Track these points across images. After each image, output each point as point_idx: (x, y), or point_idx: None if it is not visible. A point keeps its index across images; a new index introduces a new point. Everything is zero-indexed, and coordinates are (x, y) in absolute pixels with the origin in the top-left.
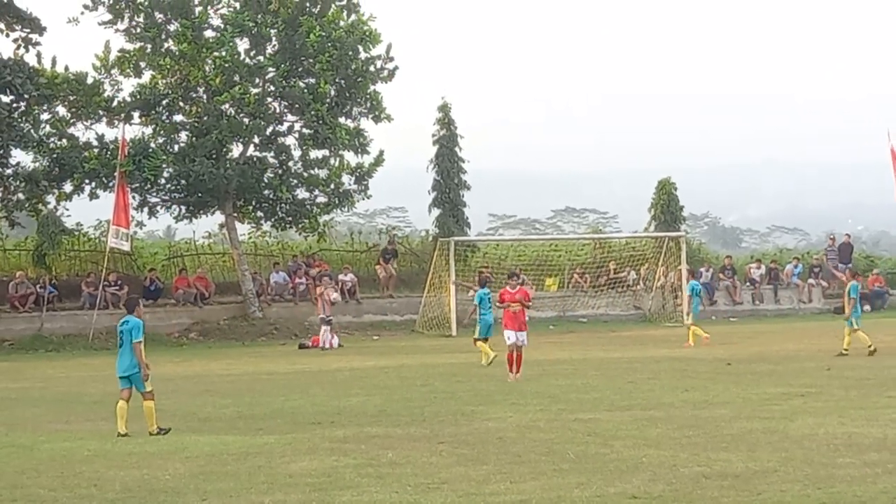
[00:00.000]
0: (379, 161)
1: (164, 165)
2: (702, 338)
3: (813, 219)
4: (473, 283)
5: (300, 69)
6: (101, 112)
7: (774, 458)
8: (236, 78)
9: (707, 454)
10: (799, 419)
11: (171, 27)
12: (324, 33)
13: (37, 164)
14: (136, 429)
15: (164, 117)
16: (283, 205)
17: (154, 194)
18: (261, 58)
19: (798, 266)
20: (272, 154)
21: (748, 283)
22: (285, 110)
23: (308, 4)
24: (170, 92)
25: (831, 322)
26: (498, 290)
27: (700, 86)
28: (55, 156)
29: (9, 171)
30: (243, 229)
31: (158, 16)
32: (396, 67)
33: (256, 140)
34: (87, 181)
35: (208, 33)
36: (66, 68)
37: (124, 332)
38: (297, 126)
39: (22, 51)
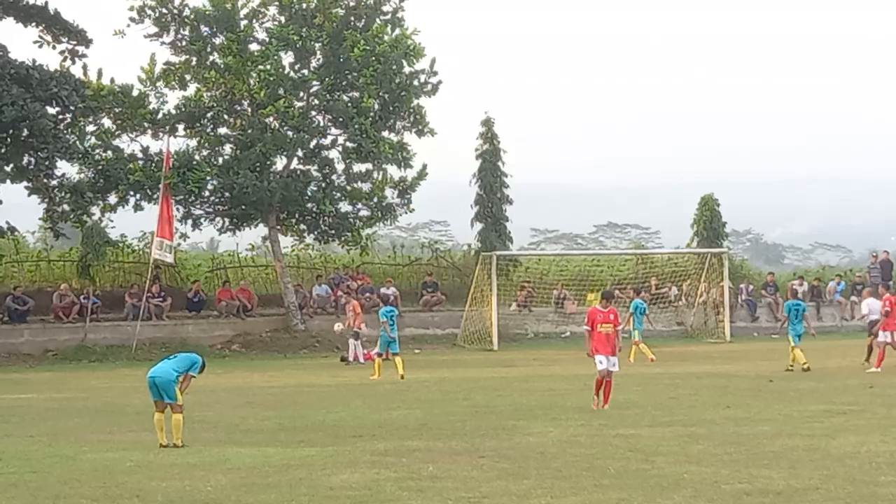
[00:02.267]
0: (422, 175)
1: (208, 178)
2: (648, 356)
3: (856, 235)
4: (518, 296)
5: (344, 83)
6: (146, 124)
7: (816, 475)
8: (281, 91)
9: (749, 471)
10: (841, 437)
11: (217, 40)
12: (368, 47)
13: (82, 175)
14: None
15: (208, 130)
16: (325, 218)
17: (198, 206)
18: (305, 71)
19: (841, 283)
20: (316, 167)
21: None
22: (329, 124)
23: (352, 19)
24: (214, 105)
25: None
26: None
27: (739, 104)
28: (100, 167)
29: (54, 183)
30: (286, 242)
31: (204, 29)
32: (440, 82)
33: (300, 153)
34: (131, 193)
35: (253, 47)
36: (112, 80)
37: (185, 358)
38: (340, 139)
39: (68, 63)
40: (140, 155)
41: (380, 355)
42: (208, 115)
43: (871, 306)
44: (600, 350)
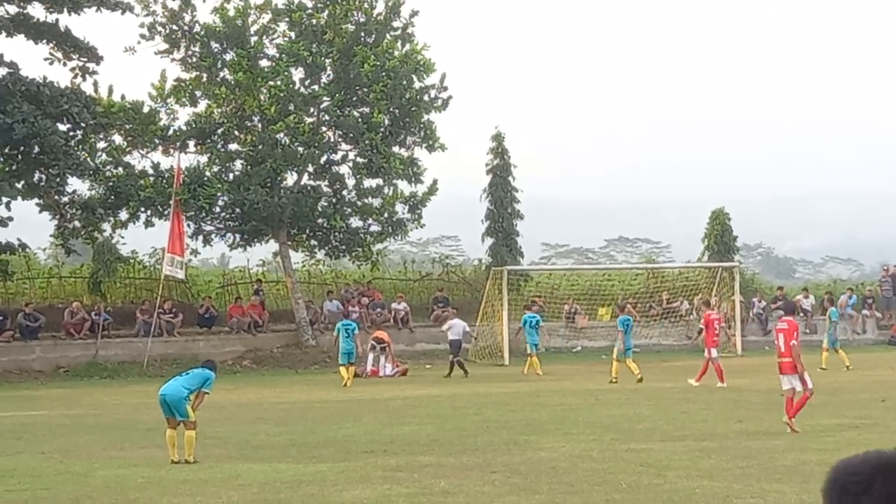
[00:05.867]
0: (432, 190)
1: (218, 194)
2: (536, 370)
3: (868, 249)
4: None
5: (354, 98)
6: (156, 140)
7: None
8: (291, 107)
9: (761, 485)
10: (853, 451)
11: (227, 56)
12: (378, 63)
13: (93, 192)
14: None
15: (219, 146)
16: (336, 233)
17: (209, 222)
18: (315, 87)
19: (852, 297)
20: (326, 183)
21: (800, 314)
22: (339, 139)
23: (363, 34)
24: (225, 121)
25: (885, 353)
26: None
27: (754, 110)
28: (111, 184)
29: (65, 199)
30: (297, 258)
31: (214, 45)
32: (450, 97)
33: (311, 169)
34: (142, 209)
35: (263, 63)
36: (123, 97)
37: (197, 375)
38: (351, 155)
39: (79, 79)
40: (151, 171)
41: (343, 365)
42: (219, 131)
43: (453, 325)
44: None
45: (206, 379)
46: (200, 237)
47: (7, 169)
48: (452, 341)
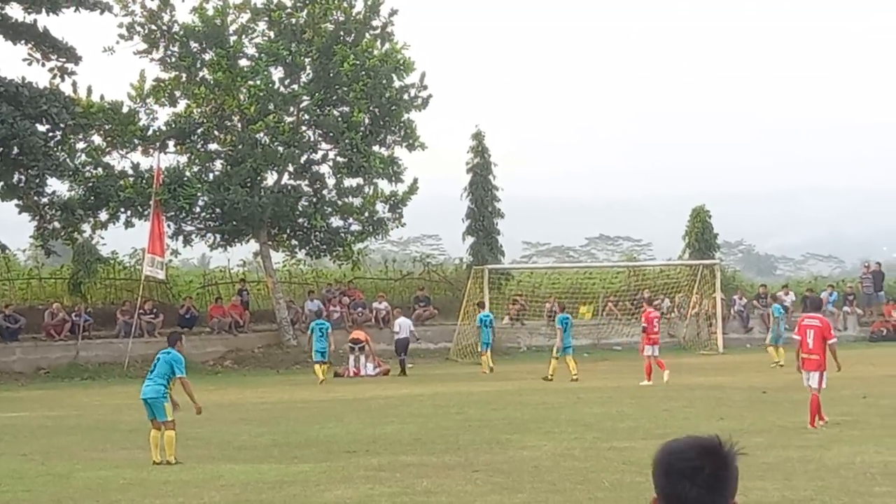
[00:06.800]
0: (413, 189)
1: (198, 194)
2: (483, 369)
3: (849, 246)
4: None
5: (334, 98)
6: (136, 141)
7: (811, 486)
8: (271, 106)
9: (743, 483)
10: (835, 448)
11: (206, 56)
12: (358, 62)
13: (72, 192)
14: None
15: (198, 146)
16: (317, 233)
17: (189, 223)
18: (295, 86)
19: (833, 294)
20: (306, 182)
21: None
22: (319, 139)
23: (342, 33)
24: (205, 121)
25: (866, 350)
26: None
27: (734, 105)
28: (91, 184)
29: (45, 200)
30: (278, 257)
31: (193, 45)
32: (430, 96)
33: (291, 168)
34: (122, 210)
35: (243, 62)
36: (102, 97)
37: (164, 362)
38: (331, 154)
39: (58, 80)
40: (130, 172)
41: (317, 363)
42: (198, 131)
43: (401, 325)
44: None
45: (173, 362)
46: (181, 237)
47: None
48: (399, 340)
